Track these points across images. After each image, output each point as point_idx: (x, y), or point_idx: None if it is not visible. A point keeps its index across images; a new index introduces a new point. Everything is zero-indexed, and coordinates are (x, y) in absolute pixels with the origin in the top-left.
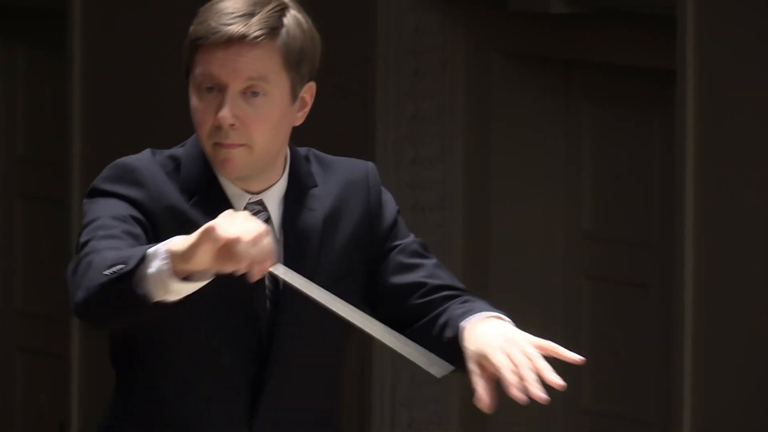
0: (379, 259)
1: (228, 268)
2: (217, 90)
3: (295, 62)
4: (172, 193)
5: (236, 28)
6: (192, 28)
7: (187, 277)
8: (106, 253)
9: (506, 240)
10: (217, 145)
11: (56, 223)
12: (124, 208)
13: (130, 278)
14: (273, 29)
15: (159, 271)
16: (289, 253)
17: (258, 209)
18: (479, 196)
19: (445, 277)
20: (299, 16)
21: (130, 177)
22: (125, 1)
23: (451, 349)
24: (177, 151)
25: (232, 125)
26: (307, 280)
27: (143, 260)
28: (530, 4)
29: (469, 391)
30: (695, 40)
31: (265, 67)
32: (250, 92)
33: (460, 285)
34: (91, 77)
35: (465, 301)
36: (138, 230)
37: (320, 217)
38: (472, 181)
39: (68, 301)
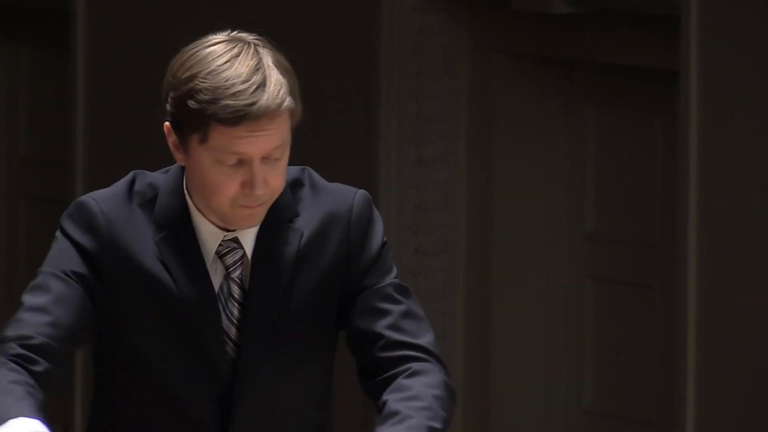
0: (353, 294)
1: None
2: (239, 162)
3: (296, 115)
4: (133, 233)
5: (262, 102)
6: (198, 104)
7: None
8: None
9: (509, 240)
10: (241, 207)
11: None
12: (75, 261)
13: None
14: (285, 91)
15: None
16: (256, 292)
17: (233, 246)
18: (482, 197)
19: (408, 331)
20: (277, 56)
21: (84, 220)
22: (128, 2)
23: None
24: (158, 178)
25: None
26: None
27: None
28: (533, 4)
29: (469, 391)
30: (698, 40)
31: (285, 132)
32: (272, 158)
33: (419, 342)
34: (94, 77)
35: (407, 389)
36: (72, 295)
37: (293, 253)
38: (475, 182)
39: None
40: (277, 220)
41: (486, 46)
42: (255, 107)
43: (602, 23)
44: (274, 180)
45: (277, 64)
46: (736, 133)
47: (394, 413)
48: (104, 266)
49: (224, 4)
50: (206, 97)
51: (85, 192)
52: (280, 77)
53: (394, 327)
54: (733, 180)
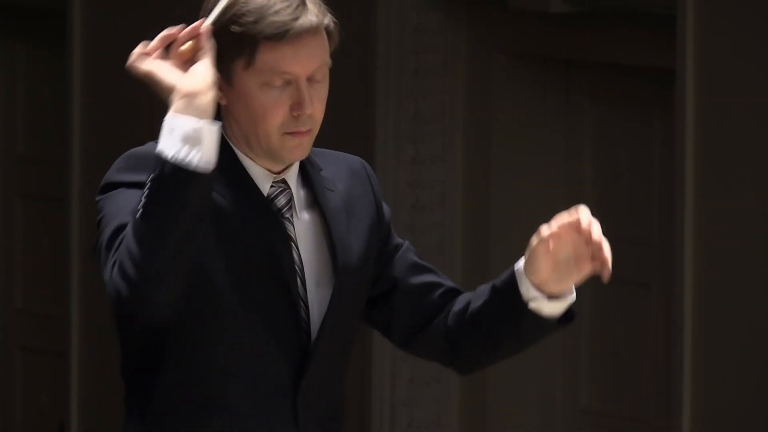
0: (385, 253)
1: (200, 66)
2: (285, 83)
3: (334, 44)
4: None
5: (305, 20)
6: (242, 26)
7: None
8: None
9: (506, 239)
10: (289, 134)
11: (56, 221)
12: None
13: (173, 172)
14: (325, 13)
15: (184, 126)
16: (334, 225)
17: (283, 188)
18: (480, 195)
19: (449, 281)
20: None
21: (144, 164)
22: (125, 1)
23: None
24: None
25: (310, 114)
26: None
27: (160, 156)
28: (531, 3)
29: (467, 391)
30: (694, 40)
31: (326, 52)
32: (314, 80)
33: (460, 288)
34: (91, 77)
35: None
36: None
37: (340, 198)
38: (473, 180)
39: (67, 299)
40: (310, 169)
41: (484, 45)
42: (299, 21)
43: (600, 23)
44: (318, 104)
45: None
46: (733, 132)
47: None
48: None
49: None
50: (250, 19)
51: (82, 191)
52: (318, 1)
53: (438, 276)
54: (730, 178)
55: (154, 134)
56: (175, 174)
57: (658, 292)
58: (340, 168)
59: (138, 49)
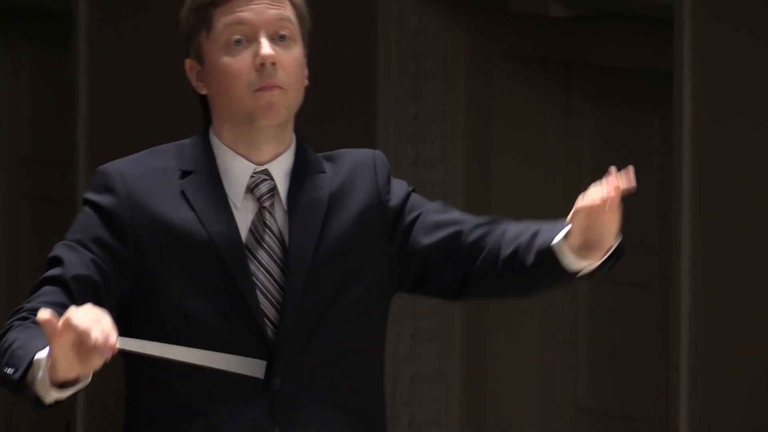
0: (403, 233)
1: (94, 361)
2: (246, 40)
3: (303, 18)
4: (154, 184)
5: None
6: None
7: (63, 384)
8: (16, 336)
9: None
10: (259, 90)
11: (61, 223)
12: (93, 224)
13: (19, 385)
14: None
15: (43, 380)
16: (294, 223)
17: (263, 178)
18: (480, 197)
19: (476, 217)
20: None
21: (101, 183)
22: (130, 3)
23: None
24: (181, 141)
25: (273, 64)
26: (144, 342)
27: (30, 366)
28: (530, 6)
29: (467, 389)
30: (692, 42)
31: (286, 8)
32: (277, 36)
33: (495, 217)
34: (96, 78)
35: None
36: (101, 255)
37: (326, 195)
38: (473, 182)
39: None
40: (307, 166)
41: (484, 48)
42: None
43: (598, 25)
44: (287, 62)
45: None
46: (730, 134)
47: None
48: (124, 221)
49: None
50: None
51: (86, 191)
52: None
53: (459, 222)
54: (728, 180)
55: (158, 135)
56: (29, 394)
57: (656, 293)
58: (345, 163)
59: (50, 320)
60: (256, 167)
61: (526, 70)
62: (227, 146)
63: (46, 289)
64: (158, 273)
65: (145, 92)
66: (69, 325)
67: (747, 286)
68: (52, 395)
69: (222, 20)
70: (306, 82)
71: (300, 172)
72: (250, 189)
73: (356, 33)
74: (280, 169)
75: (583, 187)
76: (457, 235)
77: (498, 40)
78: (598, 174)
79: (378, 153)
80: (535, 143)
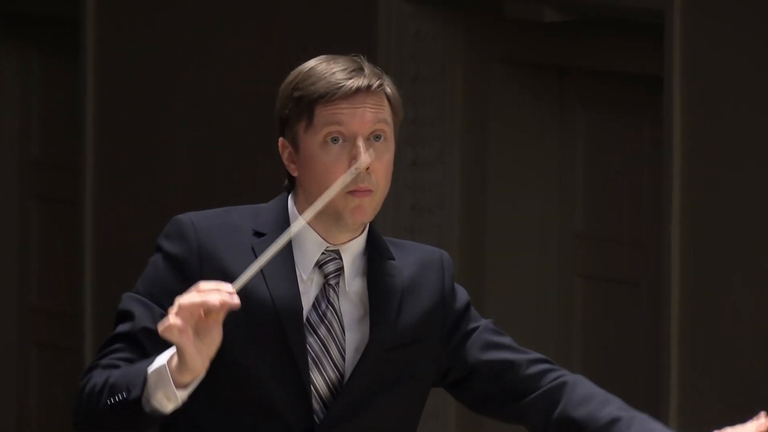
0: (459, 339)
1: (217, 332)
2: (343, 140)
3: (397, 113)
4: (226, 240)
5: (359, 81)
6: (301, 90)
7: (186, 384)
8: (107, 374)
9: (502, 239)
10: (351, 193)
11: (70, 223)
12: (164, 276)
13: (136, 404)
14: (383, 80)
15: (163, 388)
16: (373, 308)
17: (333, 257)
18: (477, 197)
19: (526, 351)
20: (372, 65)
21: (174, 232)
22: (135, 9)
23: None
24: (259, 205)
25: (367, 169)
26: (244, 273)
27: (145, 383)
28: (525, 13)
29: None
30: (682, 48)
31: (384, 110)
32: (373, 137)
33: (543, 356)
34: (104, 83)
35: (596, 395)
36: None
37: (399, 285)
38: (470, 183)
39: (80, 297)
40: (378, 253)
41: (480, 53)
42: (352, 80)
43: (591, 31)
44: (379, 167)
45: (376, 68)
46: (718, 136)
47: (623, 419)
48: (193, 270)
49: (227, 12)
50: (308, 82)
51: (94, 193)
52: (378, 70)
53: (516, 350)
54: (716, 182)
55: (164, 139)
56: (144, 412)
57: (647, 291)
58: (414, 256)
59: (172, 320)
60: (328, 245)
61: (521, 75)
62: (307, 223)
63: (119, 345)
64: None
65: (151, 96)
66: (185, 311)
67: (734, 284)
68: (179, 398)
69: (323, 117)
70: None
71: (373, 258)
72: (319, 265)
73: (357, 38)
74: (351, 252)
75: (576, 187)
76: (510, 364)
77: (494, 46)
78: (590, 174)
79: (446, 255)
80: (529, 145)
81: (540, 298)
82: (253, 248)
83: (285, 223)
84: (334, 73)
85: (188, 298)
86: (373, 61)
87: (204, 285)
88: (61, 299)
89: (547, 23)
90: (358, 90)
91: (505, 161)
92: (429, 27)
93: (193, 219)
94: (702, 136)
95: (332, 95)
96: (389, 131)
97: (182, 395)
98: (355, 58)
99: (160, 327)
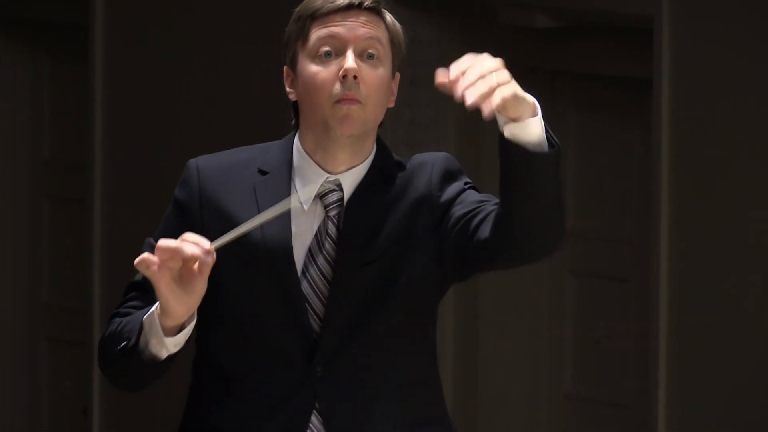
0: (446, 222)
1: (198, 282)
2: (335, 54)
3: (396, 42)
4: (229, 182)
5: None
6: (301, 7)
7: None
8: (119, 322)
9: None
10: (338, 102)
11: (79, 221)
12: (172, 222)
13: (135, 351)
14: (380, 5)
15: (155, 334)
16: (346, 229)
17: (333, 188)
18: None
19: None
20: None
21: (182, 177)
22: (143, 15)
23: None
24: (272, 142)
25: (356, 78)
26: (227, 234)
27: (141, 330)
28: (518, 19)
29: (459, 377)
30: (670, 52)
31: (379, 30)
32: (366, 54)
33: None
34: (112, 86)
35: None
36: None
37: (384, 202)
38: None
39: (89, 293)
40: (374, 178)
41: None
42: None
43: (582, 36)
44: (369, 78)
45: (389, 12)
46: (704, 137)
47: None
48: (194, 213)
49: (232, 18)
50: (307, 3)
51: (103, 192)
52: (381, 2)
53: (491, 200)
54: (703, 181)
55: (170, 139)
56: (145, 359)
57: (637, 287)
58: (413, 167)
59: (146, 255)
60: (328, 176)
61: (514, 78)
62: (306, 152)
63: (133, 294)
64: (216, 263)
65: (158, 99)
66: (162, 252)
67: (720, 279)
68: (168, 345)
69: (316, 32)
70: (391, 104)
71: (367, 184)
72: (320, 196)
73: None
74: (351, 180)
75: (568, 187)
76: (482, 202)
77: (488, 51)
78: (582, 175)
79: (443, 155)
80: None
81: (533, 294)
82: (254, 187)
83: (289, 159)
84: None
85: (167, 242)
86: None
87: (188, 236)
88: (71, 295)
89: (540, 29)
90: (350, 5)
91: (498, 162)
92: (425, 32)
93: (199, 163)
94: (689, 137)
95: (326, 10)
96: (382, 51)
97: (171, 342)
98: None
99: (136, 260)
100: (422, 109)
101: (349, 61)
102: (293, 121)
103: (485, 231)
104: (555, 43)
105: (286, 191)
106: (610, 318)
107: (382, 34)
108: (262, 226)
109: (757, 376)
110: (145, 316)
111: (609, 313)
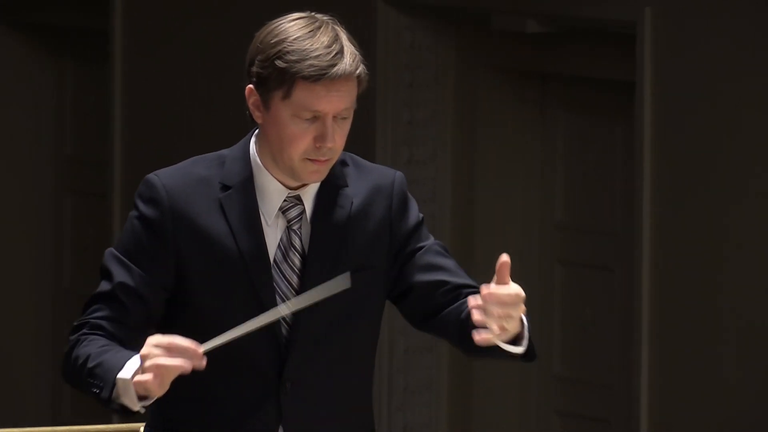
0: (404, 258)
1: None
2: (314, 118)
3: (362, 88)
4: (195, 196)
5: (341, 67)
6: (285, 63)
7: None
8: (92, 350)
9: (488, 229)
10: (310, 160)
11: (100, 214)
12: (139, 237)
13: (108, 401)
14: (359, 65)
15: (129, 396)
16: (314, 241)
17: (295, 203)
18: (466, 192)
19: (464, 277)
20: (347, 33)
21: (148, 195)
22: (160, 21)
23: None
24: (224, 151)
25: (330, 147)
26: (217, 337)
27: (114, 387)
28: (510, 25)
29: (453, 359)
30: (652, 57)
31: (353, 96)
32: (340, 117)
33: (475, 284)
34: (130, 87)
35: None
36: (147, 267)
37: (346, 215)
38: (460, 179)
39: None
40: (331, 186)
41: (470, 61)
42: (335, 69)
43: (570, 41)
44: (339, 138)
45: (350, 40)
46: (684, 136)
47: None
48: (168, 232)
49: (242, 23)
50: (293, 58)
51: (122, 188)
52: (354, 50)
53: (452, 273)
54: (682, 178)
55: (184, 137)
56: (114, 406)
57: (620, 276)
58: (367, 183)
59: (147, 378)
60: (289, 192)
61: (506, 81)
62: (264, 167)
63: (101, 305)
64: (190, 277)
65: (173, 99)
66: (161, 371)
67: (699, 269)
68: (138, 407)
69: (301, 97)
70: None
71: (324, 195)
72: (282, 210)
73: (357, 48)
74: (309, 192)
75: (556, 183)
76: (442, 284)
77: (482, 55)
78: (569, 172)
79: (398, 178)
80: (514, 145)
81: (523, 283)
82: (220, 202)
83: (249, 174)
84: (318, 55)
85: (164, 360)
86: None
87: (178, 341)
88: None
89: (530, 34)
90: (335, 78)
91: (491, 159)
92: (423, 38)
93: (163, 180)
94: (670, 136)
95: (315, 79)
96: (352, 109)
97: (143, 405)
98: (334, 27)
99: (137, 383)
100: (420, 110)
101: (329, 136)
102: (253, 124)
103: (441, 321)
104: (545, 48)
105: (252, 205)
106: (596, 304)
107: (355, 92)
108: (234, 237)
109: (732, 357)
110: (118, 376)
111: (595, 300)
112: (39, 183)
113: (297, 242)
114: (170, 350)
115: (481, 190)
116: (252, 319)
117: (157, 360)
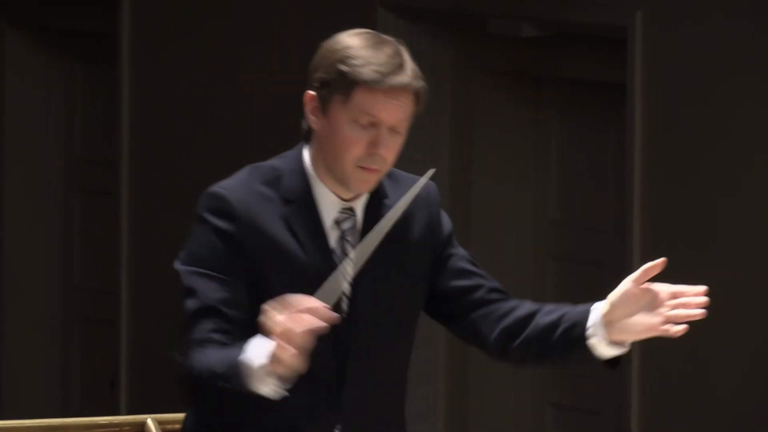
0: (441, 262)
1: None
2: (370, 124)
3: (419, 106)
4: (262, 211)
5: (401, 78)
6: (349, 67)
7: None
8: (211, 355)
9: (485, 226)
10: (362, 168)
11: (108, 212)
12: (219, 250)
13: (239, 388)
14: (419, 82)
15: (259, 377)
16: (360, 249)
17: (349, 214)
18: (463, 191)
19: (495, 282)
20: (409, 55)
21: (220, 208)
22: (168, 24)
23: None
24: (277, 162)
25: (383, 155)
26: (365, 241)
27: (246, 374)
28: (505, 29)
29: (450, 351)
30: (642, 60)
31: (410, 110)
32: (394, 130)
33: (502, 287)
34: (138, 89)
35: (541, 309)
36: (233, 277)
37: (390, 224)
38: (457, 178)
39: (117, 276)
40: (377, 198)
41: (466, 64)
42: (396, 77)
43: (564, 44)
44: (392, 151)
45: (412, 59)
46: (674, 137)
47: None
48: (247, 245)
49: (252, 26)
50: (357, 63)
51: (130, 186)
52: (415, 66)
53: (483, 278)
54: (672, 178)
55: (192, 138)
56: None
57: (611, 271)
58: (404, 190)
59: (283, 353)
60: (343, 204)
61: (502, 83)
62: (318, 178)
63: (204, 320)
64: (263, 286)
65: (181, 100)
66: (293, 337)
67: (688, 266)
68: (271, 385)
69: (360, 101)
70: None
71: (372, 207)
72: (337, 222)
73: None
74: (360, 204)
75: (550, 183)
76: (474, 288)
77: (478, 58)
78: (563, 172)
79: (433, 187)
80: (509, 146)
81: (518, 278)
82: (284, 217)
83: (307, 187)
84: (382, 63)
85: (292, 323)
86: None
87: (297, 302)
88: (101, 278)
89: (525, 38)
90: (396, 88)
91: (488, 159)
92: (421, 42)
93: (232, 194)
94: (660, 136)
95: (376, 84)
96: (407, 125)
97: (274, 385)
98: (398, 45)
99: (273, 364)
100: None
101: (382, 143)
102: (305, 130)
103: (482, 332)
104: (539, 51)
105: (315, 218)
106: (588, 298)
107: (412, 109)
108: (304, 251)
109: (722, 351)
110: (256, 364)
111: (586, 294)
112: (49, 182)
113: (351, 253)
114: (294, 317)
115: (477, 189)
116: (326, 281)
117: (289, 325)
